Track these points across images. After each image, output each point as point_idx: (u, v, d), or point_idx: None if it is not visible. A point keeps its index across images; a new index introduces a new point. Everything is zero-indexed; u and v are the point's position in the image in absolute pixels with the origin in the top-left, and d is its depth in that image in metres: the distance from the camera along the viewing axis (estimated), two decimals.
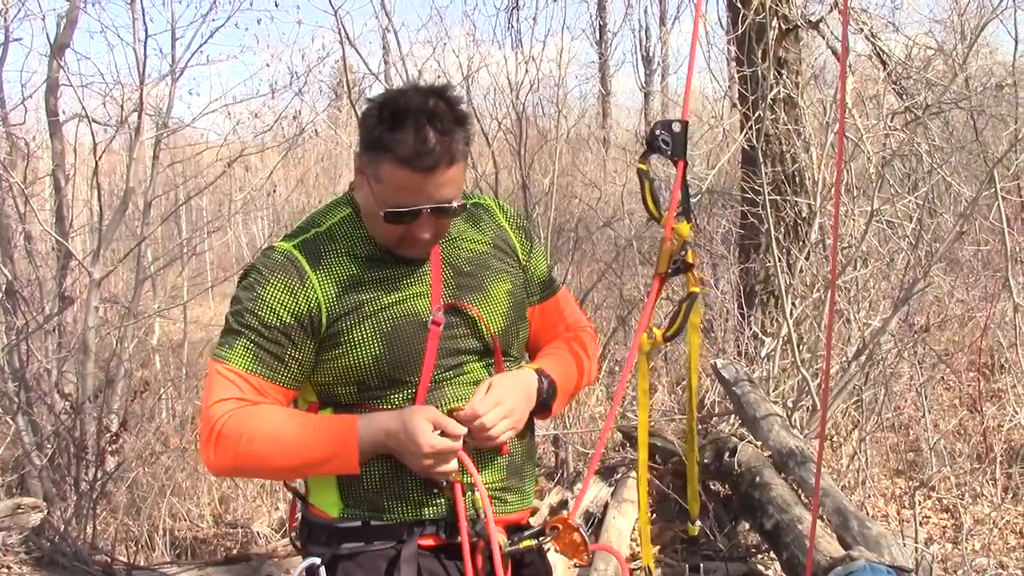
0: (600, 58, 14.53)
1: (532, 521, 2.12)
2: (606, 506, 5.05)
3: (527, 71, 7.51)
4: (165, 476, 5.83)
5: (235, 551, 5.32)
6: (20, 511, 3.89)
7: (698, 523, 2.18)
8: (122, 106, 6.56)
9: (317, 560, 1.92)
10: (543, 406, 2.02)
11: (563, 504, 5.07)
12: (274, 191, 9.02)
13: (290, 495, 2.14)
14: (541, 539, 1.99)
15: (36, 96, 6.85)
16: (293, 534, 2.13)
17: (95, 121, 6.47)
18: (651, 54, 15.92)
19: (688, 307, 1.95)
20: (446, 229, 1.96)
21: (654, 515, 5.28)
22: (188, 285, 8.82)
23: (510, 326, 2.03)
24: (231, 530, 5.61)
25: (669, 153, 1.91)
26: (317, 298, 1.89)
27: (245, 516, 5.72)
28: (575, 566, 4.51)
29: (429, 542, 1.92)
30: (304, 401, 2.00)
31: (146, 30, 6.45)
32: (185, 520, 5.65)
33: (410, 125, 1.79)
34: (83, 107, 6.30)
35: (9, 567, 4.30)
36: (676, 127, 1.90)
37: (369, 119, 1.86)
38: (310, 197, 10.93)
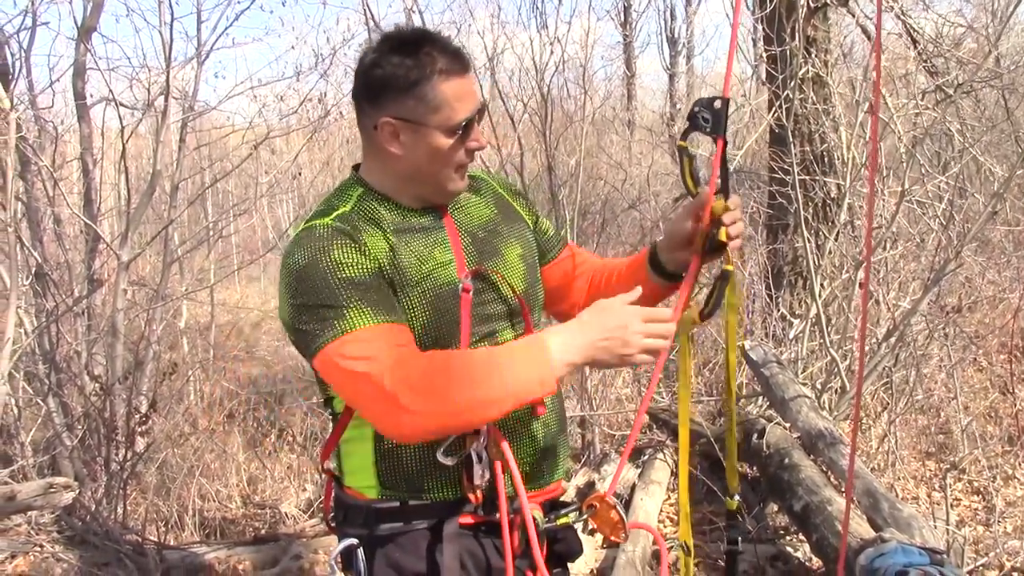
0: (625, 39, 14.43)
1: (565, 497, 2.11)
2: (633, 487, 5.04)
3: (552, 52, 7.47)
4: (194, 457, 5.88)
5: (263, 531, 5.36)
6: (52, 490, 3.92)
7: (736, 497, 2.15)
8: (148, 89, 6.58)
9: (355, 541, 1.91)
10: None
11: (591, 485, 5.07)
12: (299, 174, 9.02)
13: (319, 477, 2.11)
14: (578, 516, 1.99)
15: (64, 80, 6.88)
16: (328, 516, 2.09)
17: (122, 105, 6.49)
18: (676, 35, 15.77)
19: (722, 285, 1.93)
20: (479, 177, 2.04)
21: None
22: (215, 268, 8.87)
23: (529, 288, 2.04)
24: (259, 511, 5.65)
25: (709, 130, 1.88)
26: (377, 258, 1.83)
27: (273, 497, 5.75)
28: (605, 545, 4.52)
29: (467, 520, 1.91)
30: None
31: (172, 13, 6.45)
32: (214, 500, 5.69)
33: (427, 45, 1.83)
34: (111, 90, 6.31)
35: (42, 545, 4.36)
36: (717, 104, 1.87)
37: (389, 70, 1.83)
38: (335, 180, 10.96)
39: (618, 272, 2.18)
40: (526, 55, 7.33)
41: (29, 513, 4.39)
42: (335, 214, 1.88)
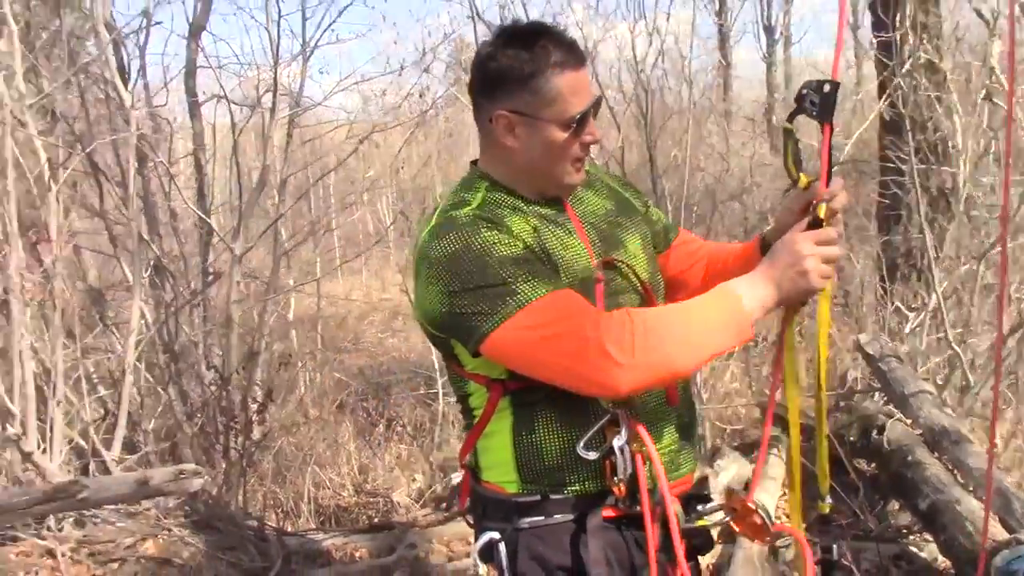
0: (720, 29, 14.23)
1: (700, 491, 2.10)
2: (747, 484, 4.98)
3: (651, 43, 7.41)
4: (307, 446, 6.00)
5: (376, 519, 5.45)
6: (183, 476, 4.04)
7: (828, 500, 2.09)
8: (256, 87, 6.73)
9: (496, 535, 1.92)
10: None
11: (703, 480, 5.02)
12: (401, 169, 9.13)
13: (429, 467, 2.12)
14: (720, 519, 1.98)
15: (176, 78, 7.08)
16: (465, 511, 2.10)
17: (232, 102, 6.65)
18: (773, 23, 15.48)
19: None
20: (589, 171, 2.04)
21: None
22: (320, 261, 9.03)
23: (652, 277, 2.05)
24: (371, 499, 5.74)
25: (816, 114, 1.84)
26: (524, 239, 1.84)
27: (384, 486, 5.84)
28: (722, 541, 4.47)
29: (610, 513, 1.90)
30: (484, 386, 1.92)
31: (279, 10, 6.58)
32: (328, 488, 5.80)
33: (544, 39, 1.84)
34: (221, 87, 6.48)
35: (170, 529, 4.50)
36: (826, 88, 1.82)
37: (506, 63, 1.85)
38: (434, 174, 11.07)
39: (734, 256, 2.16)
40: (625, 47, 7.31)
41: (157, 498, 4.54)
42: (471, 205, 1.89)
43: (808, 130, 2.05)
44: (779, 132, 1.88)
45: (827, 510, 2.10)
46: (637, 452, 1.86)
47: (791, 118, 1.91)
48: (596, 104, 1.91)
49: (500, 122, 1.89)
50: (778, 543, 4.53)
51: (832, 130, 1.83)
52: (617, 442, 1.84)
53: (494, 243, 1.79)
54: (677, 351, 1.73)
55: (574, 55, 1.86)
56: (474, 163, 2.04)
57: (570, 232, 1.94)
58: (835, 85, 1.83)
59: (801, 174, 1.91)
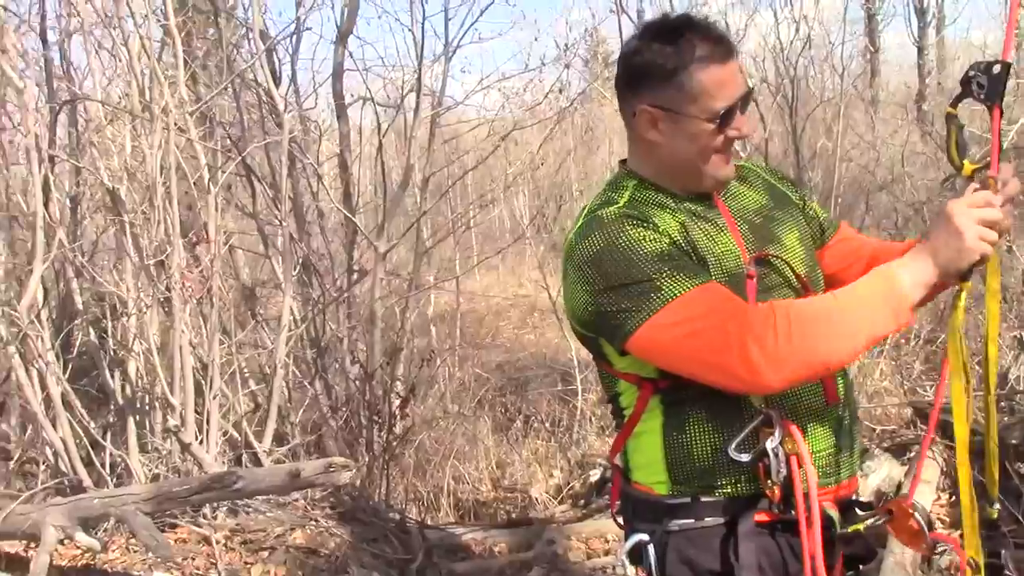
0: (868, 13, 13.67)
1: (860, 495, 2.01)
2: (899, 486, 4.78)
3: (797, 30, 7.21)
4: (448, 441, 6.09)
5: (514, 515, 5.49)
6: (332, 470, 4.16)
7: (996, 505, 1.96)
8: (401, 88, 6.88)
9: (645, 536, 1.88)
10: None
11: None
12: (541, 165, 9.16)
13: (567, 463, 2.10)
14: (876, 523, 1.89)
15: (324, 82, 7.29)
16: (615, 511, 2.07)
17: (378, 103, 6.82)
18: (925, 5, 14.76)
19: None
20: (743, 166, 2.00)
21: (952, 497, 4.94)
22: (459, 258, 9.16)
23: (810, 271, 1.97)
24: (509, 494, 5.79)
25: (983, 97, 1.72)
26: (670, 234, 1.82)
27: (522, 481, 5.88)
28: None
29: (763, 517, 1.84)
30: (635, 384, 1.90)
31: (423, 12, 6.70)
32: (467, 483, 5.88)
33: (688, 32, 1.80)
34: (368, 89, 6.64)
35: (317, 520, 4.66)
36: (996, 69, 1.70)
37: (649, 57, 1.82)
38: (571, 171, 11.05)
39: (897, 254, 2.05)
40: (770, 35, 7.13)
41: (306, 489, 4.70)
42: (617, 204, 1.88)
43: (967, 116, 1.93)
44: (929, 119, 1.77)
45: (995, 515, 1.98)
46: (792, 454, 1.79)
47: (955, 103, 1.80)
48: (744, 98, 1.84)
49: (644, 117, 1.87)
50: (936, 550, 4.33)
51: (1001, 114, 1.72)
52: (770, 444, 1.78)
53: (639, 240, 1.77)
54: (826, 341, 1.66)
55: (720, 48, 1.82)
56: (623, 163, 2.03)
57: (720, 228, 1.90)
58: (1006, 66, 1.71)
59: (965, 161, 1.79)
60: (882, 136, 10.26)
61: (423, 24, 6.62)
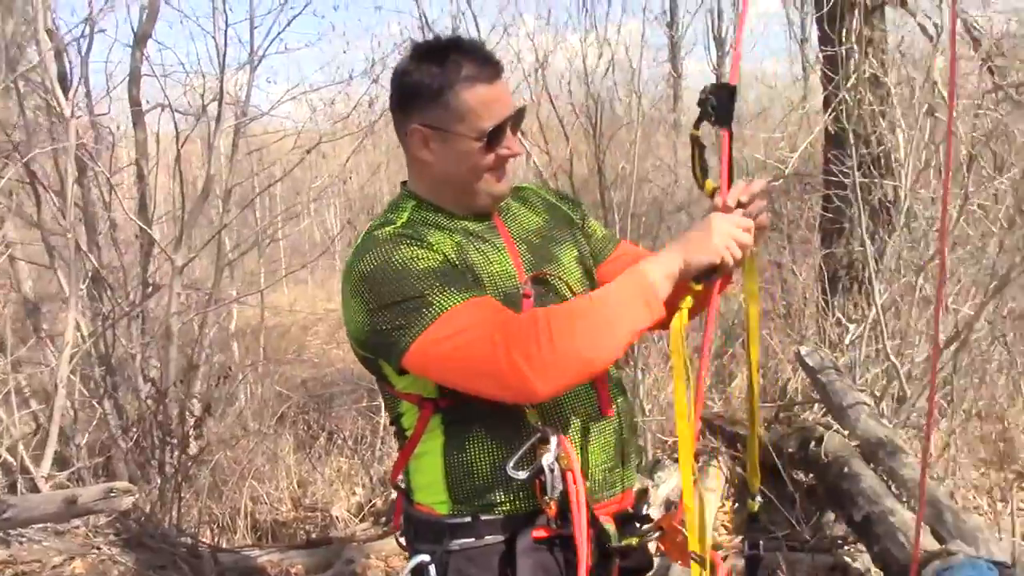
0: (671, 40, 14.33)
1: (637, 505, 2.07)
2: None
3: (601, 55, 7.42)
4: (246, 460, 5.91)
5: (314, 534, 5.38)
6: (113, 495, 3.96)
7: (758, 499, 2.08)
8: (202, 95, 6.65)
9: (426, 558, 1.88)
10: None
11: (643, 492, 5.01)
12: (349, 178, 9.07)
13: (369, 480, 2.09)
14: (647, 538, 1.96)
15: (120, 86, 6.97)
16: (398, 532, 2.07)
17: (177, 111, 6.57)
18: (723, 35, 15.62)
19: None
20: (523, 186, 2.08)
21: (736, 504, 5.20)
22: (264, 272, 8.93)
23: (588, 290, 2.01)
24: (310, 514, 5.67)
25: (714, 120, 1.81)
26: (446, 253, 1.84)
27: (323, 500, 5.77)
28: (659, 553, 4.46)
29: (541, 533, 1.87)
30: (416, 405, 1.90)
31: (226, 19, 6.51)
32: (265, 503, 5.72)
33: (455, 54, 1.85)
34: (166, 96, 6.39)
35: (99, 548, 4.40)
36: (722, 92, 1.80)
37: (417, 78, 1.86)
38: (383, 184, 10.99)
39: None
40: (575, 58, 7.31)
41: (87, 516, 4.44)
42: (395, 224, 1.89)
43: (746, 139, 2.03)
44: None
45: (755, 508, 2.11)
46: (568, 470, 1.83)
47: (697, 124, 1.87)
48: (515, 117, 1.90)
49: (415, 136, 1.90)
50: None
51: (731, 135, 1.82)
52: (547, 460, 1.81)
53: (412, 258, 1.78)
54: (587, 340, 1.71)
55: (487, 69, 1.86)
56: (403, 184, 2.04)
57: (497, 248, 1.94)
58: (731, 89, 1.81)
59: (707, 180, 1.89)
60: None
61: (226, 31, 6.44)
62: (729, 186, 1.83)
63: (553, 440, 1.82)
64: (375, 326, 1.79)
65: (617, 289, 1.77)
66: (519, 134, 1.97)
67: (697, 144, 1.88)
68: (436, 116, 1.85)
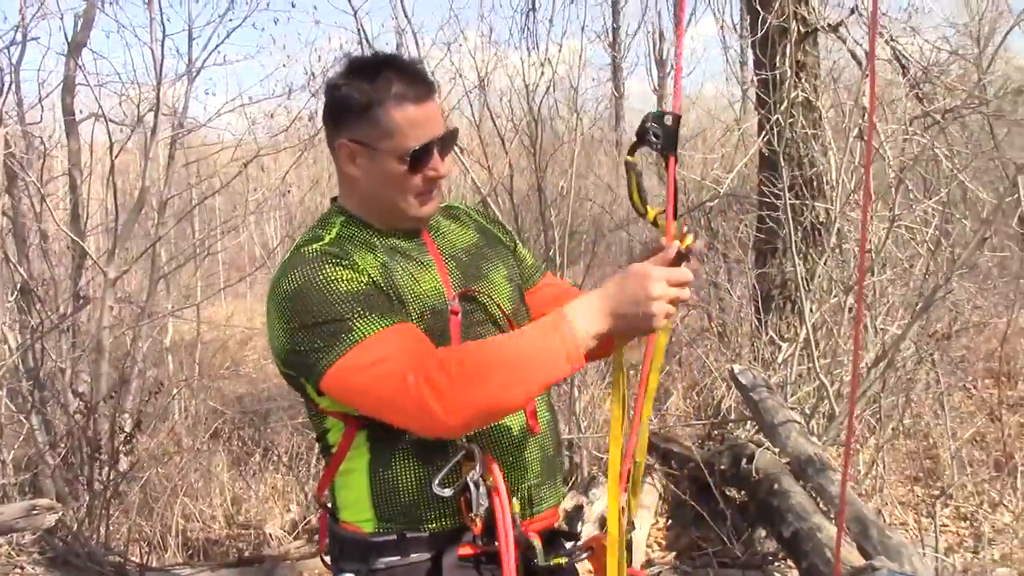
0: (614, 60, 14.47)
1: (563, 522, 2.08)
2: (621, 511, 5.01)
3: (542, 73, 7.47)
4: (178, 476, 5.81)
5: (247, 552, 5.30)
6: (35, 512, 3.87)
7: (632, 527, 2.08)
8: (138, 106, 6.56)
9: None
10: None
11: (578, 509, 5.03)
12: (288, 192, 9.00)
13: (304, 498, 2.07)
14: (576, 557, 1.97)
15: (53, 95, 6.85)
16: (323, 552, 2.04)
17: (111, 120, 6.48)
18: (665, 57, 15.79)
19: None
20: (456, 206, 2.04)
21: (669, 521, 5.25)
22: (201, 285, 8.82)
23: (516, 309, 2.03)
24: (243, 531, 5.59)
25: (659, 147, 1.80)
26: (370, 273, 1.82)
27: (257, 518, 5.69)
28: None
29: (467, 550, 1.86)
30: (341, 421, 1.88)
31: (163, 30, 6.44)
32: (198, 521, 5.63)
33: (387, 70, 1.84)
34: (100, 106, 6.31)
35: (23, 567, 4.30)
36: (668, 120, 1.79)
37: (347, 92, 1.85)
38: (323, 198, 10.90)
39: None
40: (516, 76, 7.35)
41: (10, 534, 4.33)
42: (322, 241, 1.87)
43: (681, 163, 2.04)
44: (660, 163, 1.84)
45: (629, 536, 2.02)
46: (493, 487, 1.83)
47: (632, 151, 1.86)
48: (444, 139, 1.88)
49: (343, 151, 1.89)
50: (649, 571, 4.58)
51: (676, 162, 1.82)
52: (472, 477, 1.81)
53: (336, 279, 1.77)
54: (500, 386, 1.68)
55: (418, 88, 1.85)
56: (334, 200, 2.03)
57: (424, 265, 1.93)
58: (676, 117, 1.80)
59: (648, 207, 1.87)
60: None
61: (163, 42, 6.36)
62: (675, 215, 1.81)
63: (478, 456, 1.82)
64: (295, 346, 1.78)
65: (539, 336, 1.71)
66: (457, 151, 1.99)
67: (633, 170, 1.87)
68: (364, 132, 1.84)
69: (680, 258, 1.73)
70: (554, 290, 2.20)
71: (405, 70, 1.86)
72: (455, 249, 2.01)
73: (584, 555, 1.97)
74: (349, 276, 1.79)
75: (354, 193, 1.94)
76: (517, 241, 2.20)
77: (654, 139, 1.81)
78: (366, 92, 1.83)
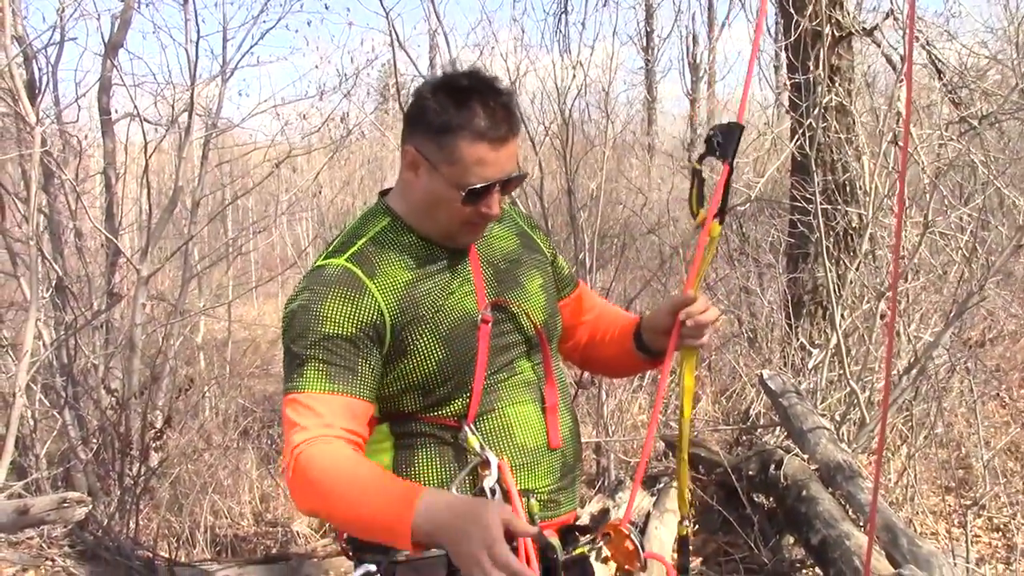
0: (647, 64, 14.48)
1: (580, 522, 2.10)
2: (648, 516, 4.99)
3: (574, 76, 7.46)
4: (207, 473, 5.86)
5: (275, 550, 5.34)
6: (66, 505, 3.91)
7: (687, 523, 2.11)
8: (173, 106, 6.63)
9: (372, 567, 1.88)
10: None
11: (604, 512, 5.02)
12: (319, 192, 9.06)
13: None
14: (594, 545, 1.98)
15: (89, 95, 6.94)
16: (344, 542, 2.08)
17: (146, 120, 6.54)
18: (698, 60, 15.75)
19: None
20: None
21: (696, 526, 5.22)
22: (233, 284, 8.89)
23: (549, 319, 2.06)
24: (271, 529, 5.63)
25: (718, 155, 1.89)
26: (380, 307, 1.85)
27: (285, 515, 5.73)
28: (619, 573, 4.47)
29: None
30: None
31: (198, 31, 6.51)
32: (226, 518, 5.67)
33: (476, 102, 1.82)
34: (135, 106, 6.36)
35: (53, 559, 4.34)
36: (731, 129, 1.88)
37: (430, 105, 1.84)
38: (355, 199, 10.97)
39: (611, 334, 2.22)
40: (548, 79, 7.35)
41: (41, 527, 4.38)
42: (351, 251, 1.90)
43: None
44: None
45: (684, 532, 2.12)
46: (509, 492, 1.87)
47: (701, 159, 1.95)
48: (507, 182, 1.89)
49: (408, 155, 1.90)
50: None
51: (731, 171, 1.88)
52: (488, 483, 1.86)
53: (326, 317, 1.82)
54: (327, 514, 1.86)
55: (498, 129, 1.82)
56: (382, 194, 2.05)
57: (461, 273, 1.96)
58: (739, 128, 1.88)
59: (700, 210, 1.95)
60: (655, 182, 10.84)
61: (198, 43, 6.43)
62: (718, 214, 1.92)
63: (494, 464, 1.87)
64: (284, 354, 1.89)
65: (385, 503, 1.67)
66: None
67: (698, 177, 1.96)
68: (432, 150, 1.85)
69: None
70: (584, 303, 2.26)
71: (493, 105, 1.83)
72: (495, 256, 2.04)
73: (601, 542, 1.98)
74: (346, 315, 1.83)
75: (407, 197, 1.96)
76: (556, 250, 2.23)
77: (716, 147, 1.91)
78: (448, 115, 1.82)
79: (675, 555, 4.86)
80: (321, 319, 1.82)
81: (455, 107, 1.81)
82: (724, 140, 1.88)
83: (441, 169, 1.84)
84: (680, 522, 2.10)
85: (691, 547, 4.90)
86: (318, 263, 1.92)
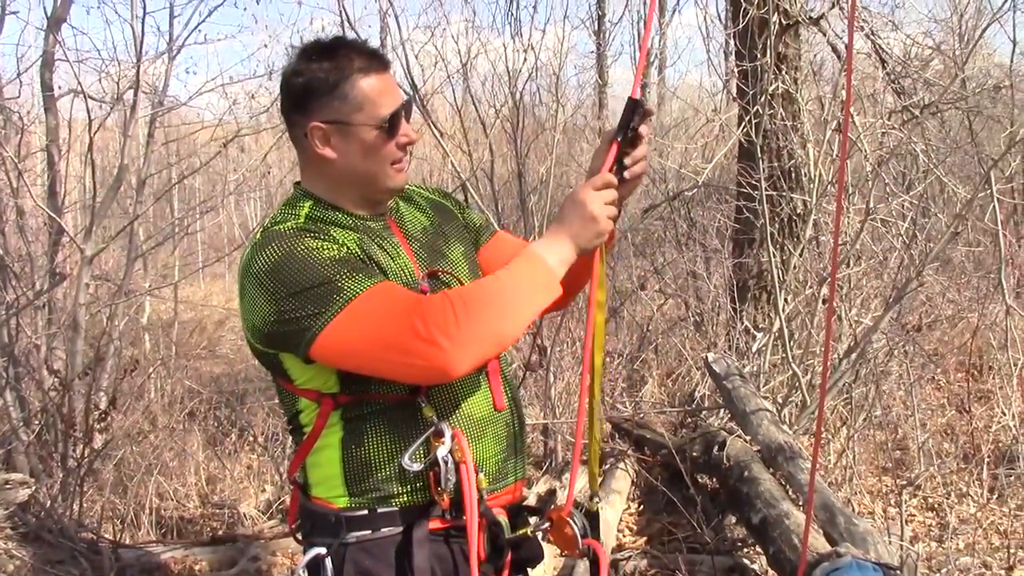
0: (598, 48, 14.47)
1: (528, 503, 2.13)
2: (591, 497, 5.06)
3: (525, 59, 7.48)
4: (153, 455, 5.81)
5: (221, 532, 5.31)
6: (7, 487, 3.87)
7: (597, 499, 2.12)
8: (118, 83, 6.52)
9: (323, 550, 1.90)
10: None
11: (551, 493, 5.08)
12: (268, 173, 8.98)
13: (279, 478, 2.11)
14: (536, 527, 2.02)
15: (31, 70, 6.79)
16: (294, 527, 2.08)
17: (91, 97, 6.41)
18: (650, 45, 15.77)
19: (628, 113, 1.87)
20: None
21: (641, 506, 5.30)
22: (179, 265, 8.79)
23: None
24: (217, 511, 5.59)
25: (618, 130, 1.87)
26: (349, 246, 1.88)
27: (231, 497, 5.70)
28: (565, 553, 4.53)
29: (436, 524, 1.92)
30: (315, 401, 1.92)
31: (144, 7, 6.40)
32: (171, 500, 5.63)
33: (346, 48, 1.91)
34: (79, 82, 6.23)
35: None
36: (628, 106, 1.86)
37: (312, 74, 1.89)
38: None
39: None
40: (499, 61, 7.36)
41: None
42: (297, 219, 1.92)
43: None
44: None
45: (595, 508, 2.11)
46: (461, 462, 1.88)
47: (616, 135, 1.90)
48: (406, 105, 1.96)
49: (315, 134, 1.91)
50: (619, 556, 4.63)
51: (619, 146, 1.86)
52: (441, 452, 1.87)
53: (318, 248, 1.82)
54: (500, 320, 1.79)
55: (376, 60, 1.93)
56: (297, 184, 2.05)
57: (395, 246, 1.99)
58: (632, 103, 1.86)
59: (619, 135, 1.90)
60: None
61: (144, 18, 6.32)
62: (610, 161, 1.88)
63: (447, 433, 1.88)
64: (282, 315, 1.80)
65: (519, 272, 1.84)
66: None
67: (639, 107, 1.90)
68: (334, 109, 1.89)
69: (634, 108, 1.85)
70: (508, 244, 2.26)
71: (360, 47, 1.94)
72: (415, 231, 2.08)
73: (544, 526, 2.02)
74: (329, 245, 1.84)
75: (324, 176, 1.97)
76: (464, 207, 2.28)
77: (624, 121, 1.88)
78: (330, 71, 1.88)
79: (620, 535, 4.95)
80: (314, 250, 1.82)
81: (333, 61, 1.89)
82: (622, 116, 1.86)
83: (354, 119, 1.89)
84: (590, 498, 2.12)
85: (635, 527, 4.99)
86: (265, 231, 1.91)
